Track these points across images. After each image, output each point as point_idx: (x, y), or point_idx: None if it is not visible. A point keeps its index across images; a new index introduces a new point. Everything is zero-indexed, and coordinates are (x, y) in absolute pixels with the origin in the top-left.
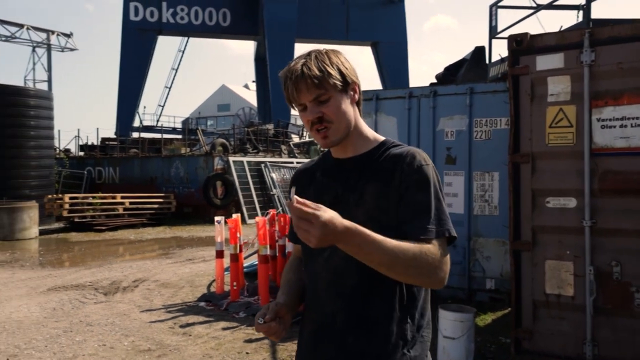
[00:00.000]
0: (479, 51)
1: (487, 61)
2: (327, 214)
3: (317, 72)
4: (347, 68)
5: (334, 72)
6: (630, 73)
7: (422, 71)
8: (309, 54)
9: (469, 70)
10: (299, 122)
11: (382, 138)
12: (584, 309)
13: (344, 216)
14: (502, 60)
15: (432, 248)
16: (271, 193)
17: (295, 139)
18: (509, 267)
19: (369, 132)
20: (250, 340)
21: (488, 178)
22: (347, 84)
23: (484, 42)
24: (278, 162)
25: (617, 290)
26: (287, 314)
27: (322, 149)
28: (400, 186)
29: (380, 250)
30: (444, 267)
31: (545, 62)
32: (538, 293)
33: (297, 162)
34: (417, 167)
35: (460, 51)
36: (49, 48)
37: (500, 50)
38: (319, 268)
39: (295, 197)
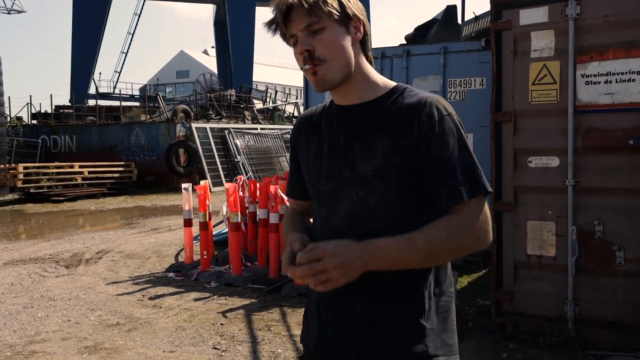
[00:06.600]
0: (450, 10)
1: (459, 21)
2: (330, 243)
3: None
4: (349, 0)
5: (331, 0)
6: (616, 26)
7: (379, 37)
8: None
9: (440, 30)
10: (261, 87)
11: (393, 83)
12: (566, 269)
13: (344, 165)
14: (476, 18)
15: (464, 217)
16: (235, 160)
17: (259, 104)
18: None
19: (378, 77)
20: (224, 311)
21: None
22: (348, 18)
23: (450, 3)
24: (242, 128)
25: (598, 249)
26: None
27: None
28: (420, 143)
29: (413, 250)
30: (485, 227)
31: (528, 16)
32: (519, 254)
33: (261, 129)
34: (438, 119)
35: (412, 15)
36: None
37: (473, 8)
38: (318, 232)
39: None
